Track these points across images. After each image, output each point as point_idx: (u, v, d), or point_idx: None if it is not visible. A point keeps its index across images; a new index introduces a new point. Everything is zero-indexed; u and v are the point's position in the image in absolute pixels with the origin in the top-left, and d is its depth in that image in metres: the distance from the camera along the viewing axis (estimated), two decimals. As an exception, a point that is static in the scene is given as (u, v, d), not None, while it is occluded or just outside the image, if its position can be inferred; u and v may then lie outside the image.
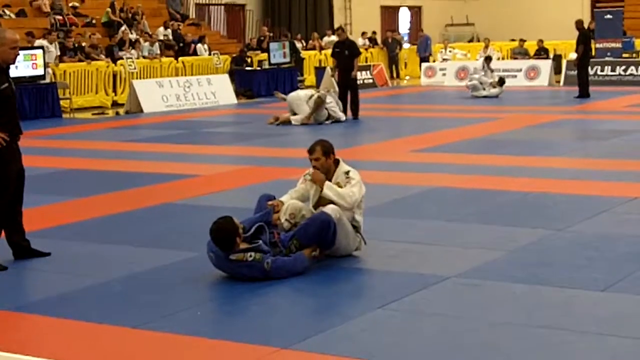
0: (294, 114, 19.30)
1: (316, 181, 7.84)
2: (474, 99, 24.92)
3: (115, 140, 17.48)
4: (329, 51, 32.71)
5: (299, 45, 31.98)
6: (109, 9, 28.16)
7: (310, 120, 19.10)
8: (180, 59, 27.41)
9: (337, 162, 8.01)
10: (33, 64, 21.87)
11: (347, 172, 7.94)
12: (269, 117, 19.74)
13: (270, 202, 7.86)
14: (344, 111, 20.04)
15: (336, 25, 38.56)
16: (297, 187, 8.15)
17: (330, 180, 7.90)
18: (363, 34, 35.90)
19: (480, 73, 25.67)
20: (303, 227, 7.56)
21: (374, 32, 36.56)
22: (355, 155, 13.82)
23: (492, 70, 25.86)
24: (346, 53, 20.19)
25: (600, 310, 6.32)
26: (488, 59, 26.22)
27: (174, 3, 31.73)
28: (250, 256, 7.16)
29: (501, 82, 25.40)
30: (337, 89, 20.47)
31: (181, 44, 28.76)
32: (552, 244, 8.21)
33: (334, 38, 33.04)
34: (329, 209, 7.64)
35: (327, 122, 19.20)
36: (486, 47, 31.61)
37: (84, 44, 25.28)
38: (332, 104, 19.41)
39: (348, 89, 20.23)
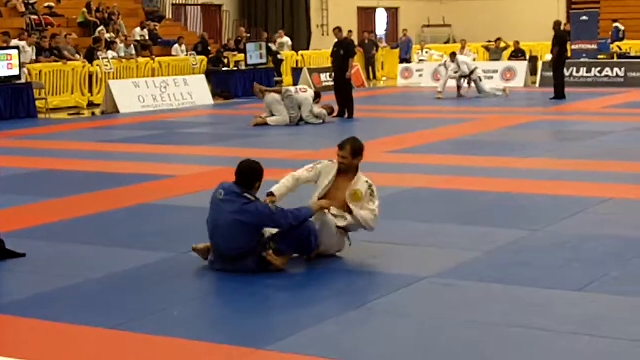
0: (271, 114, 19.25)
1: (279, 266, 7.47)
2: (453, 99, 25.04)
3: (91, 140, 17.40)
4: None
5: (275, 47, 31.86)
6: (85, 9, 28.04)
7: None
8: (156, 59, 27.33)
9: (358, 165, 7.99)
10: (8, 64, 21.75)
11: (371, 187, 7.91)
12: (251, 119, 19.52)
13: (268, 199, 7.73)
14: (340, 111, 20.25)
15: (314, 25, 38.77)
16: (301, 173, 8.02)
17: (348, 182, 7.89)
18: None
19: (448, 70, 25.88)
20: (281, 234, 7.46)
21: (350, 32, 36.56)
22: (331, 156, 13.78)
23: (459, 66, 25.92)
24: (341, 53, 20.51)
25: (577, 310, 6.33)
26: (452, 55, 26.36)
27: (150, 3, 31.68)
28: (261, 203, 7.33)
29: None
30: (313, 89, 20.61)
31: (209, 48, 29.03)
32: (529, 245, 8.23)
33: (286, 40, 32.93)
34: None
35: (301, 123, 19.10)
36: (462, 48, 31.67)
37: (60, 45, 25.13)
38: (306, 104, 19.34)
39: (342, 88, 20.44)
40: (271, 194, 7.77)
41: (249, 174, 7.42)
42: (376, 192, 7.95)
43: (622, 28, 35.00)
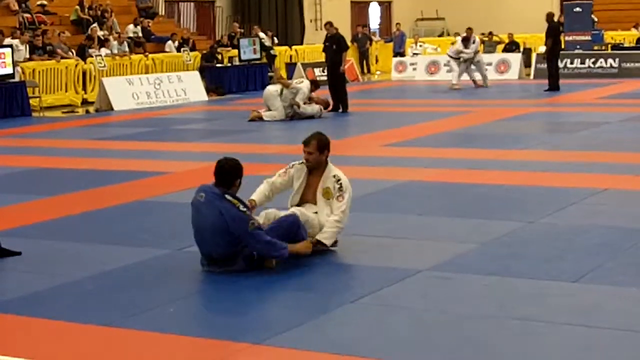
0: (269, 109, 19.24)
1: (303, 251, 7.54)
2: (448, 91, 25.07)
3: (85, 138, 17.39)
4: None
5: (269, 42, 31.79)
6: (77, 7, 27.99)
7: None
8: (150, 56, 27.30)
9: (326, 160, 7.98)
10: (2, 62, 21.71)
11: (338, 181, 7.84)
12: (249, 114, 19.51)
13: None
14: (335, 105, 20.35)
15: (307, 20, 38.73)
16: (275, 179, 8.08)
17: (319, 178, 7.88)
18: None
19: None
20: (271, 230, 7.41)
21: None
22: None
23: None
24: (334, 47, 20.53)
25: (572, 300, 6.34)
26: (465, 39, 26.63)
27: (143, 0, 31.63)
28: (243, 207, 7.15)
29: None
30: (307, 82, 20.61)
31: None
32: (524, 236, 8.24)
33: (262, 35, 32.82)
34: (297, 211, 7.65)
35: (295, 117, 19.06)
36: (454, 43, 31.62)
37: (54, 43, 25.11)
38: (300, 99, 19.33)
39: (335, 82, 20.44)
40: (252, 201, 7.84)
41: (228, 172, 7.30)
42: (345, 185, 7.86)
43: (596, 20, 34.87)
